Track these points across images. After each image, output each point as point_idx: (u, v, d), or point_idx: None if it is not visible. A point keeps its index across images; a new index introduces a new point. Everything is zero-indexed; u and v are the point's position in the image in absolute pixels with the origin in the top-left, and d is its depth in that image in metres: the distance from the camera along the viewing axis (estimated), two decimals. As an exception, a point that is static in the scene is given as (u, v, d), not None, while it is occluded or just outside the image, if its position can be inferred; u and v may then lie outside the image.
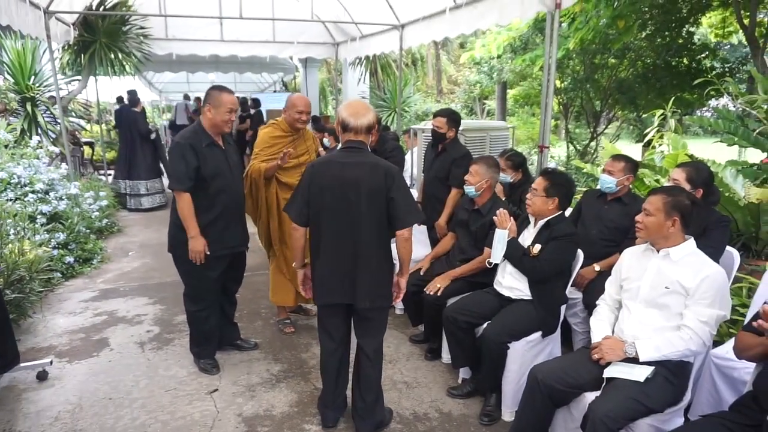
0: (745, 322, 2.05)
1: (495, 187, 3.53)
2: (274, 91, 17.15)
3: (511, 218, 3.04)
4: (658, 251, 2.35)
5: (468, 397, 3.12)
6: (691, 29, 9.47)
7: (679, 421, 2.22)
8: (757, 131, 4.26)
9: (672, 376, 2.20)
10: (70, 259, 5.27)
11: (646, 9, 8.12)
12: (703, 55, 9.53)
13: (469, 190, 3.43)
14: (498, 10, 5.07)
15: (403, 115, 9.74)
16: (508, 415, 2.91)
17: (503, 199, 3.75)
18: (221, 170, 3.12)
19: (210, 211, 3.11)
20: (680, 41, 9.26)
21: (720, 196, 3.25)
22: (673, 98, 5.53)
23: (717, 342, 2.70)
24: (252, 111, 11.00)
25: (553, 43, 4.24)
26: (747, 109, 4.39)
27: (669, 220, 2.28)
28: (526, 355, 2.87)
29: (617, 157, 3.45)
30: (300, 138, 3.69)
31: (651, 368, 2.18)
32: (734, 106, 4.79)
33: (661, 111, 5.30)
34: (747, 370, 2.30)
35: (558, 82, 10.32)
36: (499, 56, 10.30)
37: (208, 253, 3.09)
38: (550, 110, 4.30)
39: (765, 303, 1.74)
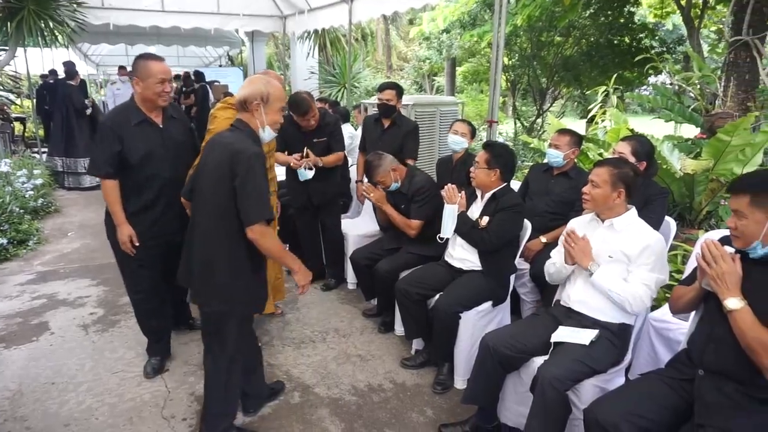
0: (680, 281, 2.19)
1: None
2: (220, 66, 16.60)
3: (460, 193, 3.07)
4: (602, 221, 2.44)
5: (421, 367, 3.18)
6: (632, 9, 9.76)
7: (620, 380, 2.34)
8: (692, 107, 4.45)
9: (614, 338, 2.32)
10: (2, 240, 4.98)
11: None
12: (642, 35, 9.87)
13: (394, 186, 3.48)
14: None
15: (353, 91, 9.63)
16: (460, 383, 2.99)
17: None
18: (153, 152, 2.74)
19: (139, 198, 2.78)
20: (621, 20, 9.53)
21: (658, 168, 3.40)
22: (614, 76, 5.70)
23: (655, 306, 2.85)
24: (196, 86, 10.62)
25: (502, 18, 4.27)
26: (682, 86, 4.58)
27: (615, 192, 2.36)
28: (477, 324, 2.94)
29: (563, 132, 3.54)
30: None
31: (595, 332, 2.29)
32: (670, 84, 5.00)
33: (604, 88, 5.46)
34: (681, 330, 2.45)
35: (506, 59, 10.44)
36: (447, 30, 10.31)
37: (137, 243, 2.77)
38: (498, 85, 4.34)
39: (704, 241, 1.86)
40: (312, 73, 10.22)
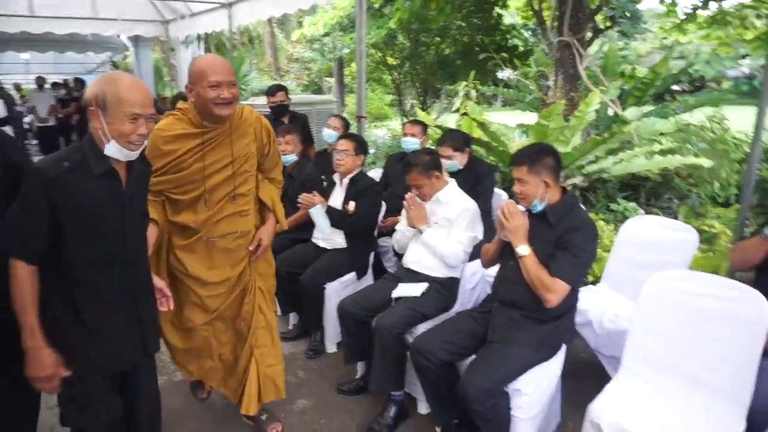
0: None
1: None
2: (102, 72, 15.91)
3: (313, 192, 3.38)
4: (429, 197, 2.93)
5: (298, 338, 3.54)
6: (501, 11, 10.71)
7: (451, 324, 2.83)
8: (529, 98, 5.16)
9: (443, 289, 2.80)
10: None
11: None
12: (509, 35, 10.87)
13: (291, 157, 3.80)
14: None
15: (242, 93, 9.78)
16: (331, 347, 3.39)
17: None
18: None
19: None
20: (492, 22, 10.44)
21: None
22: (472, 72, 6.39)
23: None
24: (76, 94, 10.28)
25: (363, 26, 4.73)
26: (521, 80, 5.29)
27: (432, 178, 2.86)
28: (341, 293, 3.32)
29: (414, 122, 4.06)
30: (223, 134, 2.21)
31: (425, 285, 2.76)
32: (512, 77, 5.74)
33: (464, 84, 6.11)
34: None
35: (390, 59, 11.04)
36: (327, 34, 10.74)
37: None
38: (363, 86, 4.83)
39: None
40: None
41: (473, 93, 5.86)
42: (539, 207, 2.28)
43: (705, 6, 8.36)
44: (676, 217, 4.20)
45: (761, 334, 1.88)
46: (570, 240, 2.20)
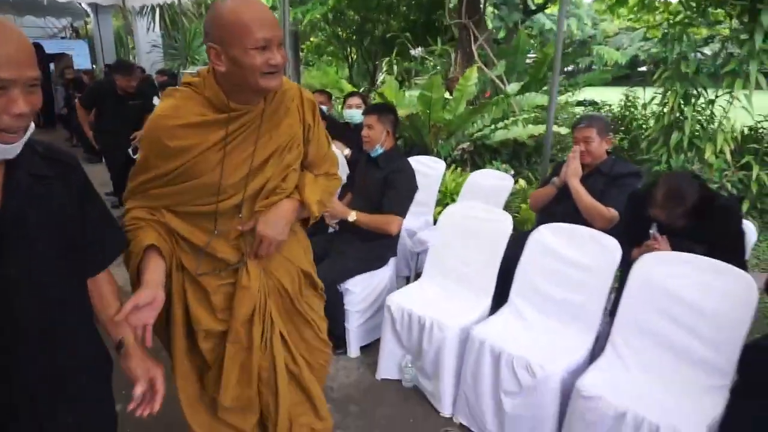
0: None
1: None
2: (62, 38, 16.08)
3: None
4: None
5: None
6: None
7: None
8: (433, 73, 5.88)
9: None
10: None
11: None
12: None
13: None
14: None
15: (196, 63, 10.30)
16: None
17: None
18: None
19: None
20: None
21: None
22: (396, 49, 7.07)
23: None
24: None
25: (286, 12, 5.35)
26: (425, 57, 6.01)
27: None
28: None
29: (320, 92, 4.77)
30: (256, 119, 1.47)
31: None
32: (418, 55, 6.45)
33: (386, 59, 6.79)
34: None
35: (341, 32, 11.61)
36: (273, 7, 11.19)
37: None
38: (297, 62, 5.47)
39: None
40: (154, 46, 10.62)
41: (394, 68, 6.53)
42: (379, 151, 3.04)
43: (634, -11, 9.23)
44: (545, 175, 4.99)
45: (503, 240, 2.67)
46: (395, 179, 2.97)
